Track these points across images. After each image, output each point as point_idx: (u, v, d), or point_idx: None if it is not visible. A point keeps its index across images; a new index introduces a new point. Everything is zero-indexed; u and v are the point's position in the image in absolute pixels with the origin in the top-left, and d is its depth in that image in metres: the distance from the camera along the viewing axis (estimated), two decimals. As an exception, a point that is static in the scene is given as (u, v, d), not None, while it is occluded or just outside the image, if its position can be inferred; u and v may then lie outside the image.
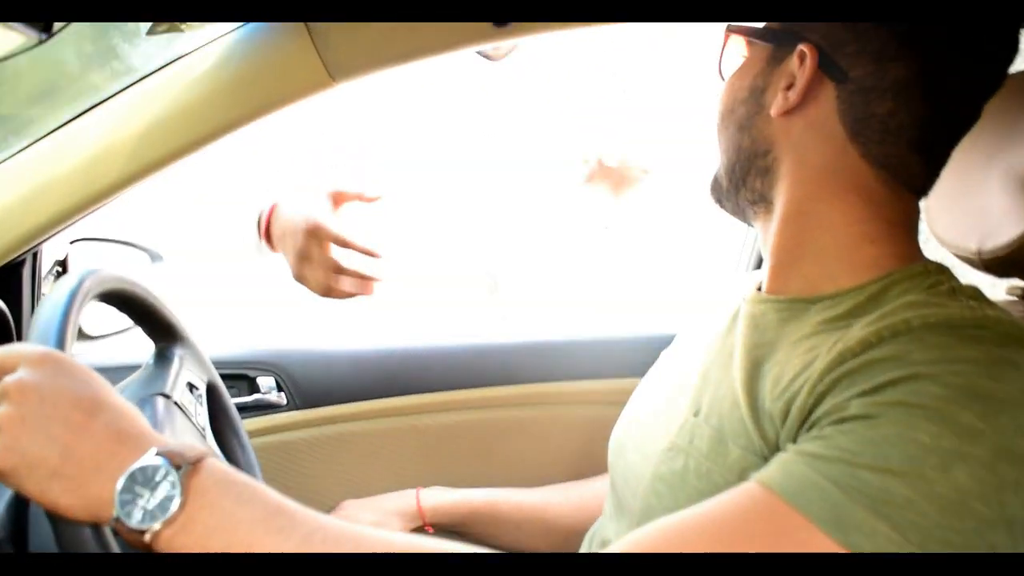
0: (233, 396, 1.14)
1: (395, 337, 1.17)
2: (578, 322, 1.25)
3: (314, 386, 1.16)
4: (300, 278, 1.05)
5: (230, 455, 0.97)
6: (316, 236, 1.02)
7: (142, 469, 0.56)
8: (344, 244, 1.03)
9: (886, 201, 0.72)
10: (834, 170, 0.71)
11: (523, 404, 1.13)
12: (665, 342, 0.96)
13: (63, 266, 1.25)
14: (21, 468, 0.55)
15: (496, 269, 1.36)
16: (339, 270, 1.02)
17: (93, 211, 1.03)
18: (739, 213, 0.82)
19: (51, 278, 1.21)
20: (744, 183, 0.77)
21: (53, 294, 0.70)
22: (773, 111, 0.72)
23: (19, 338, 1.13)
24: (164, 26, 0.91)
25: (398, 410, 1.17)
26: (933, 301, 0.63)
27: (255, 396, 1.15)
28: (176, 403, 0.85)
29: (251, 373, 1.16)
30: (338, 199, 1.08)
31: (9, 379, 0.58)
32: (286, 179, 1.22)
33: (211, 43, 0.97)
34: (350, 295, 1.04)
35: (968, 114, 0.71)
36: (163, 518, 0.55)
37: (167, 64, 0.98)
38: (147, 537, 0.55)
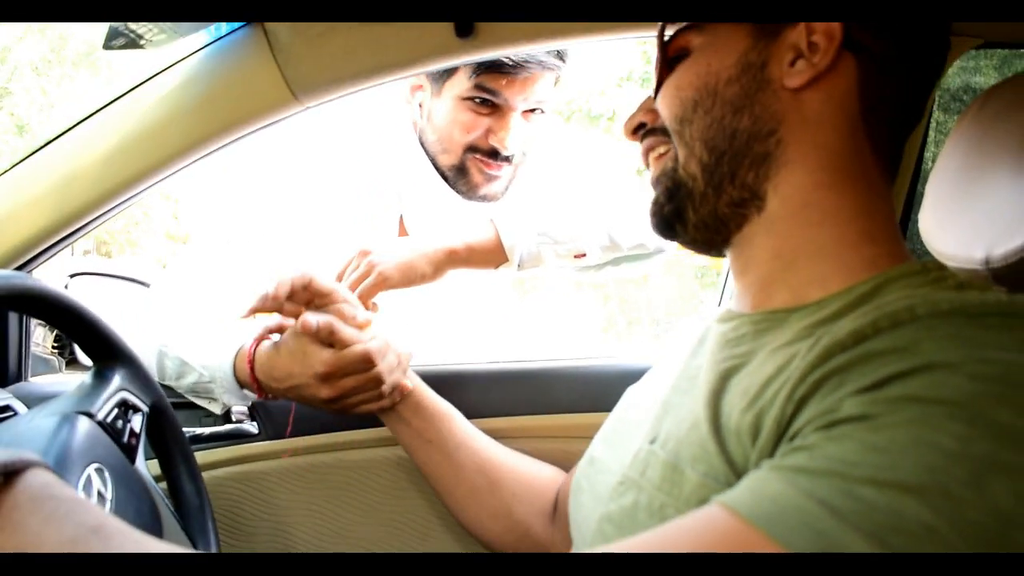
0: (205, 424, 0.98)
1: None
2: (550, 352, 1.05)
3: (287, 415, 0.97)
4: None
5: (176, 483, 0.81)
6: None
7: None
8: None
9: (884, 193, 0.57)
10: (846, 153, 0.55)
11: (504, 437, 0.93)
12: (642, 373, 0.76)
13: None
14: None
15: None
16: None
17: (66, 236, 0.90)
18: (711, 228, 0.60)
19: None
20: (733, 179, 0.57)
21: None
22: (792, 82, 0.55)
23: (5, 371, 0.98)
24: (121, 41, 0.77)
25: (372, 442, 0.99)
26: (939, 291, 0.46)
27: (228, 426, 0.97)
28: (100, 423, 0.69)
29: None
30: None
31: None
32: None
33: (175, 64, 0.85)
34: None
35: (920, 106, 0.59)
36: None
37: (132, 88, 0.85)
38: None
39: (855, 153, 0.55)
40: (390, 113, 1.15)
